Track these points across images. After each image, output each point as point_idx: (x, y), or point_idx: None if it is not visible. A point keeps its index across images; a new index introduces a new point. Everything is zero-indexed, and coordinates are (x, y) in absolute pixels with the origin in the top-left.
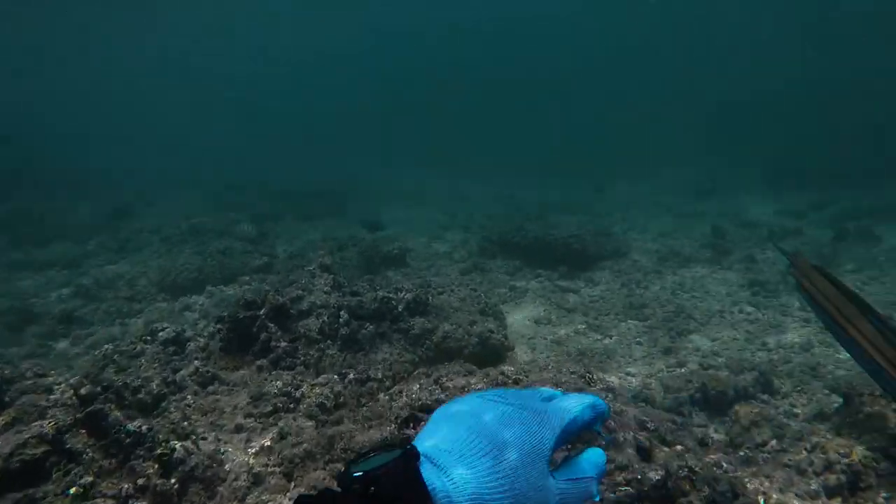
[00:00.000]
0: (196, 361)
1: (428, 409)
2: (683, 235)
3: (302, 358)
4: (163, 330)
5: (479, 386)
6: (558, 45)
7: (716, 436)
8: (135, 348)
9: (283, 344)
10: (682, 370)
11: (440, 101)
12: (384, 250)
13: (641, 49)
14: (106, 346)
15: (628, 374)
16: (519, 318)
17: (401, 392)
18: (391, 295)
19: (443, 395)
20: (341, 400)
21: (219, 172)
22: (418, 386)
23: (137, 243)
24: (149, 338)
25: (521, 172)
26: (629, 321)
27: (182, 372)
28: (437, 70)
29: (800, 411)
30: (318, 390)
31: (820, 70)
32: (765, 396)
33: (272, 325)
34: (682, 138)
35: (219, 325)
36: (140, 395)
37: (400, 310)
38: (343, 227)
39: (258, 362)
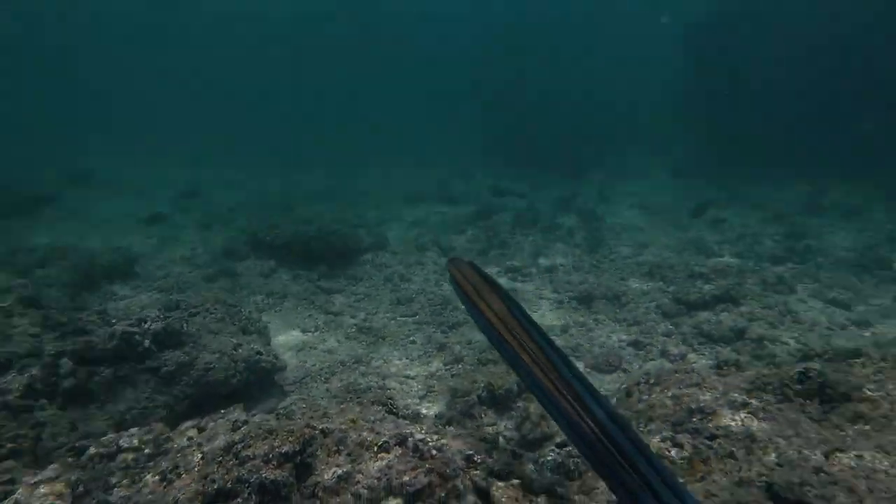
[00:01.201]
0: None
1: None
2: (438, 222)
3: (6, 445)
4: None
5: (285, 448)
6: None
7: (508, 433)
8: None
9: None
10: (460, 366)
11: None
12: (104, 261)
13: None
14: None
15: (408, 377)
16: (283, 328)
17: (177, 468)
18: (133, 329)
19: (243, 470)
20: (81, 489)
21: None
22: (200, 456)
23: None
24: None
25: (261, 160)
26: (399, 318)
27: None
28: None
29: None
30: (44, 489)
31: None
32: None
33: None
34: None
35: None
36: None
37: (147, 345)
38: (42, 231)
39: None
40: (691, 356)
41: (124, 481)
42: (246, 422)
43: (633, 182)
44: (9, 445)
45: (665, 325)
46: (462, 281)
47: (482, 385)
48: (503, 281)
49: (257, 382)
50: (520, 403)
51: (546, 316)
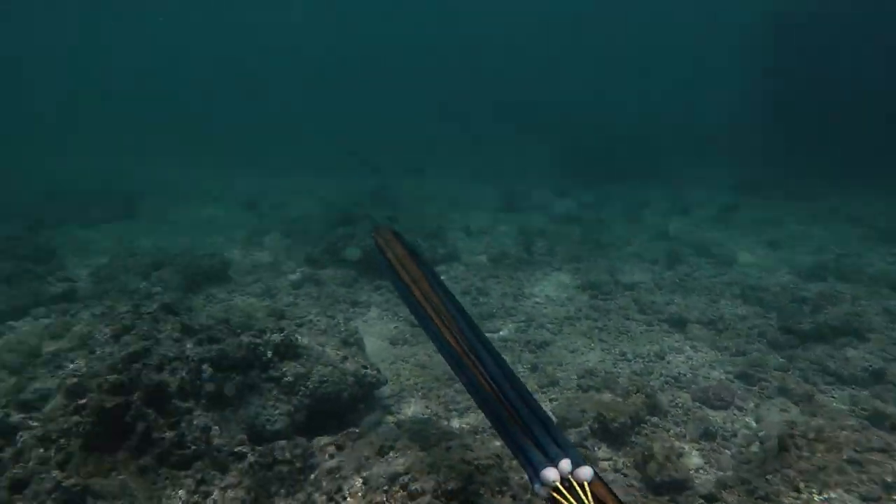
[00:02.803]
0: (54, 471)
1: None
2: (505, 235)
3: (192, 447)
4: None
5: (451, 486)
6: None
7: (629, 472)
8: None
9: (169, 434)
10: (558, 390)
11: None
12: (205, 265)
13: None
14: None
15: None
16: (373, 340)
17: (340, 491)
18: (258, 340)
19: None
20: (252, 496)
21: None
22: (361, 482)
23: None
24: None
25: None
26: (487, 334)
27: (34, 487)
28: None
29: (685, 431)
30: (230, 494)
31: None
32: (654, 419)
33: (150, 410)
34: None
35: (76, 417)
36: None
37: (269, 355)
38: (139, 233)
39: (139, 461)
40: (819, 398)
41: (281, 490)
42: (391, 447)
43: (701, 194)
44: (192, 449)
45: (775, 357)
46: (388, 252)
47: (592, 416)
48: (583, 299)
49: (362, 397)
50: (636, 439)
51: (637, 339)
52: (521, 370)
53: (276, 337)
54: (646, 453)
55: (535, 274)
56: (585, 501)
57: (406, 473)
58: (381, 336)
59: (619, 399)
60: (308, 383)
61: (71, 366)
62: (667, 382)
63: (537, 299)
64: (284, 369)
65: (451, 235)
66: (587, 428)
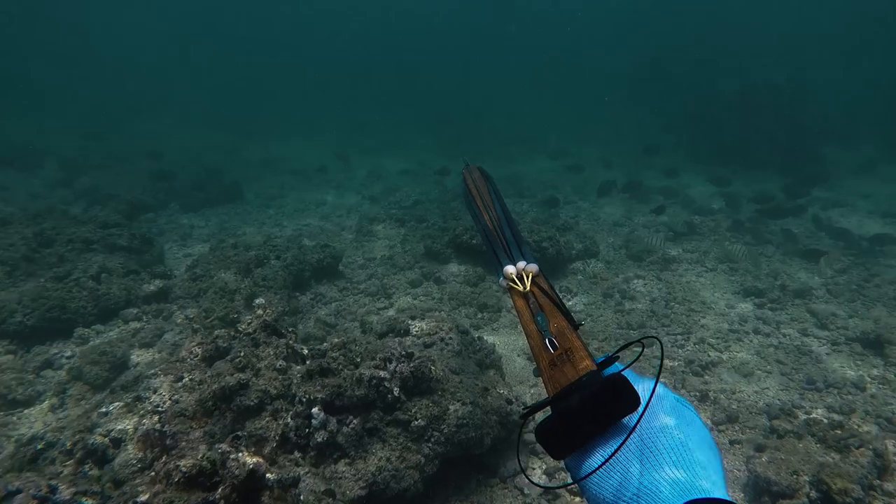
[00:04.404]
0: None
1: None
2: (644, 223)
3: None
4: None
5: None
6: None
7: None
8: None
9: None
10: (738, 428)
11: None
12: (313, 260)
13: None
14: None
15: None
16: (510, 355)
17: None
18: (381, 373)
19: None
20: None
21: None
22: None
23: None
24: None
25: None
26: (635, 349)
27: None
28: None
29: None
30: None
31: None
32: (887, 485)
33: None
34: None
35: None
36: None
37: (396, 393)
38: (244, 218)
39: None
40: None
41: None
42: None
43: (857, 182)
44: None
45: None
46: (470, 182)
47: (808, 480)
48: (748, 306)
49: (505, 437)
50: None
51: (825, 360)
52: (686, 397)
53: (405, 368)
54: None
55: (686, 276)
56: (527, 284)
57: None
58: (516, 349)
59: (836, 455)
60: (443, 427)
61: (153, 397)
62: (879, 425)
63: (692, 305)
64: (414, 410)
65: (584, 228)
66: (806, 500)
